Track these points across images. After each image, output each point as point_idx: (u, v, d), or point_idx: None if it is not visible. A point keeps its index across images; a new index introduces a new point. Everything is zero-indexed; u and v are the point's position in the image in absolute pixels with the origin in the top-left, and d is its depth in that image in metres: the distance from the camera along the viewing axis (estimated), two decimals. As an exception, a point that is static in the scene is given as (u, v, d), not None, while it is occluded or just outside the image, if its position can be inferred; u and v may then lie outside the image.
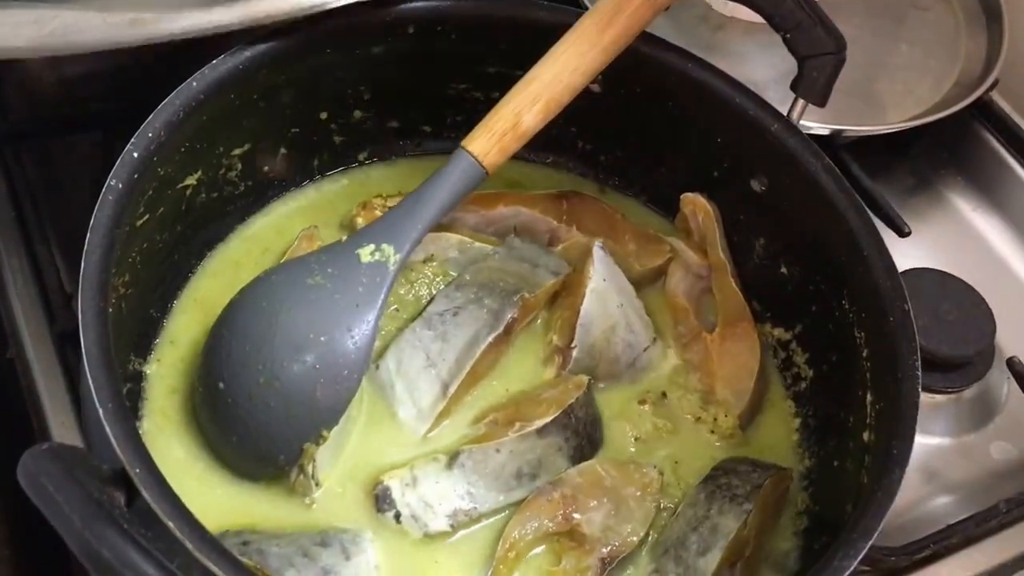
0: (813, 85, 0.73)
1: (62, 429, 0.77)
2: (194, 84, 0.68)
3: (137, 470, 0.54)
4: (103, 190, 0.62)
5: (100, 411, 0.55)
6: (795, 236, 0.78)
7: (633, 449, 0.77)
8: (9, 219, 0.86)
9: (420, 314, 0.78)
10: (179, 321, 0.78)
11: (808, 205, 0.75)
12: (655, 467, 0.75)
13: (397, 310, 0.80)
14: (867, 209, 0.72)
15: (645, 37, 0.76)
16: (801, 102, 0.75)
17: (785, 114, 0.76)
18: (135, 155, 0.65)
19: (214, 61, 0.69)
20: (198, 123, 0.70)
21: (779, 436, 0.79)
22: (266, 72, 0.72)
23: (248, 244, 0.82)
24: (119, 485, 0.53)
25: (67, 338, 0.80)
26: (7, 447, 0.80)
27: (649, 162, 0.86)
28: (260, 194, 0.83)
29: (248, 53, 0.70)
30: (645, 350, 0.80)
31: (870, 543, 0.60)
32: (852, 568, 0.60)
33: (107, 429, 0.55)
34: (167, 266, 0.77)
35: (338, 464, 0.72)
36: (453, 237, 0.83)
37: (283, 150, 0.82)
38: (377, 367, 0.76)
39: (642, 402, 0.79)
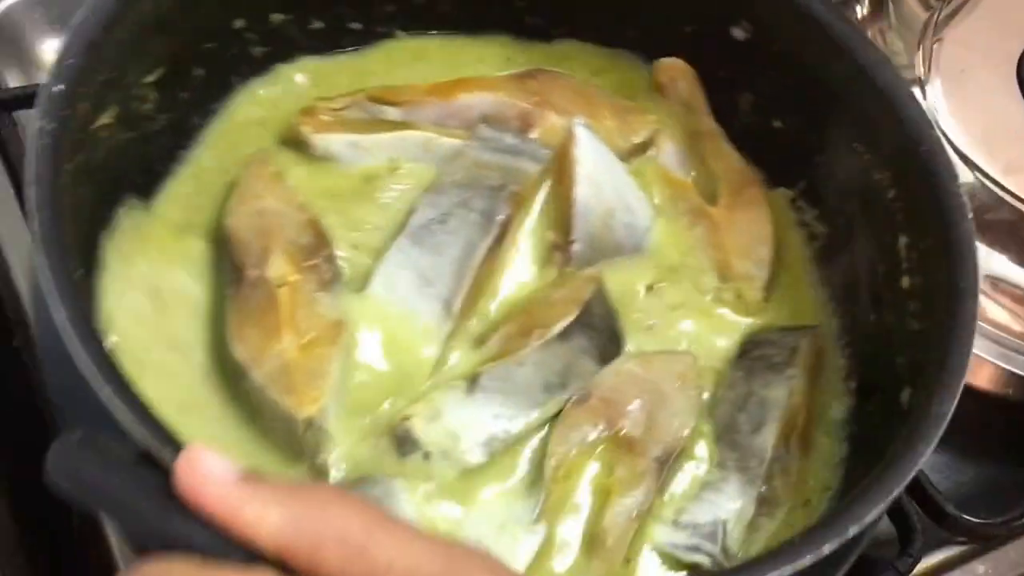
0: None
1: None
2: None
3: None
4: (35, 135, 0.51)
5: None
6: (787, 83, 0.72)
7: (654, 338, 0.70)
8: (8, 196, 0.75)
9: (402, 229, 0.68)
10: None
11: (802, 44, 0.69)
12: (688, 352, 0.69)
13: (378, 229, 0.70)
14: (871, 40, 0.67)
15: None
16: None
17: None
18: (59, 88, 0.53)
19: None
20: (113, 44, 0.58)
21: (803, 300, 0.73)
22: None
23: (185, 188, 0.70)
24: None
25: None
26: (23, 440, 0.69)
27: (610, 23, 0.78)
28: (181, 127, 0.71)
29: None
30: (647, 230, 0.73)
31: (963, 381, 0.56)
32: (950, 415, 0.55)
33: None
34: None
35: (345, 412, 0.63)
36: (416, 135, 0.73)
37: (198, 70, 0.71)
38: (365, 293, 0.66)
39: (652, 287, 0.72)
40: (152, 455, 0.44)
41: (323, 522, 0.39)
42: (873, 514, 0.52)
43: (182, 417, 0.59)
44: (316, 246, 0.66)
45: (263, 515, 0.39)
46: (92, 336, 0.49)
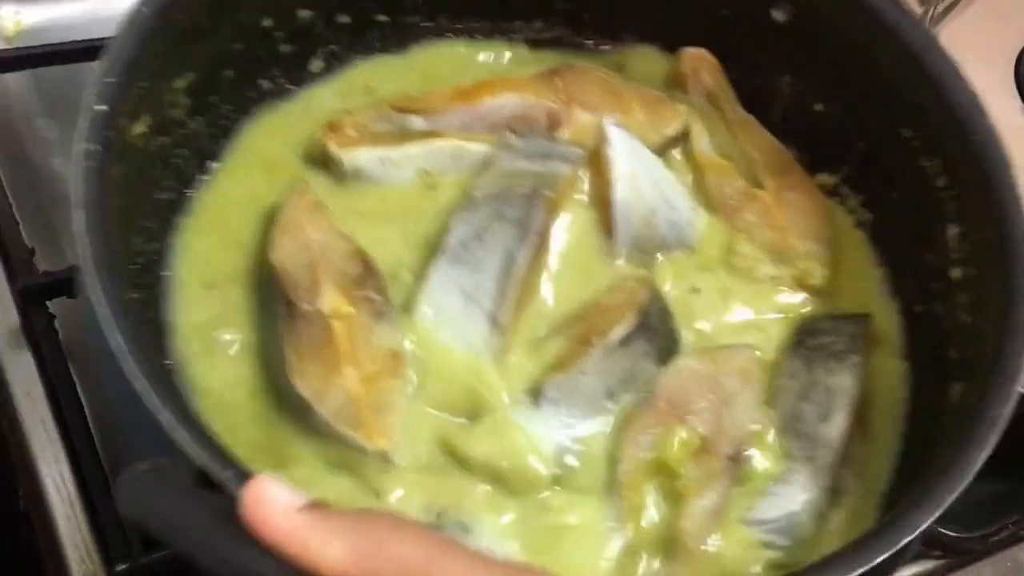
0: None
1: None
2: (145, 9, 0.55)
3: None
4: (76, 156, 0.51)
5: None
6: (829, 66, 0.71)
7: (711, 333, 0.70)
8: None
9: (440, 250, 0.67)
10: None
11: (845, 26, 0.68)
12: (748, 345, 0.68)
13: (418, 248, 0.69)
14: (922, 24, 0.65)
15: None
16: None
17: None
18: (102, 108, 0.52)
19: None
20: (150, 57, 0.58)
21: (857, 286, 0.72)
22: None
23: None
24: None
25: (30, 296, 0.72)
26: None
27: (644, 8, 0.76)
28: (212, 134, 0.71)
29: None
30: (691, 224, 0.72)
31: (1018, 385, 0.55)
32: (1007, 417, 0.54)
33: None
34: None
35: (412, 440, 0.62)
36: (444, 144, 0.72)
37: (227, 72, 0.69)
38: (413, 319, 0.65)
39: (703, 281, 0.71)
40: (212, 477, 0.45)
41: (384, 553, 0.40)
42: (927, 522, 0.51)
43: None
44: (365, 275, 0.65)
45: (326, 546, 0.40)
46: (149, 360, 0.48)
